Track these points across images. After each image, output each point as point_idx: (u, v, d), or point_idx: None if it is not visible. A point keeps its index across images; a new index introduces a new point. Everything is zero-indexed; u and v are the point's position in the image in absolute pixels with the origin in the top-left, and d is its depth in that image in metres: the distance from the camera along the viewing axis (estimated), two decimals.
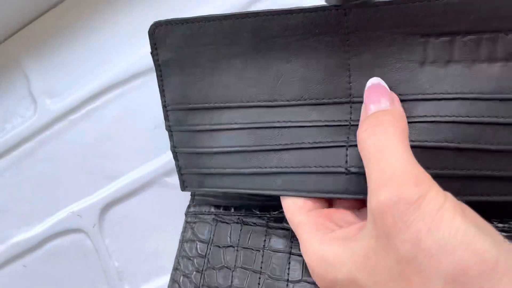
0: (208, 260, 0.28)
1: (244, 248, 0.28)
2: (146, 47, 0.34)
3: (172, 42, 0.26)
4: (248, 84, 0.25)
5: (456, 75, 0.21)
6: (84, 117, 0.35)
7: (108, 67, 0.35)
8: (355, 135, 0.22)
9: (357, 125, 0.22)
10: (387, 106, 0.21)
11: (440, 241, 0.16)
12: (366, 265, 0.19)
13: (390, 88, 0.22)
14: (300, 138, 0.24)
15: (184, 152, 0.28)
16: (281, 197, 0.25)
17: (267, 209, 0.29)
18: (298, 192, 0.24)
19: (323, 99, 0.24)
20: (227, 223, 0.29)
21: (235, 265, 0.28)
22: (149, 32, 0.26)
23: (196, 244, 0.29)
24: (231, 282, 0.27)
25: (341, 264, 0.20)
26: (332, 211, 0.24)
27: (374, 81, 0.22)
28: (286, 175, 0.25)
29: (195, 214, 0.30)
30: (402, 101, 0.22)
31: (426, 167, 0.19)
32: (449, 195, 0.18)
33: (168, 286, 0.29)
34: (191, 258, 0.29)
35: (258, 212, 0.29)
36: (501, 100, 0.21)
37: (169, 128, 0.28)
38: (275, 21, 0.23)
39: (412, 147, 0.20)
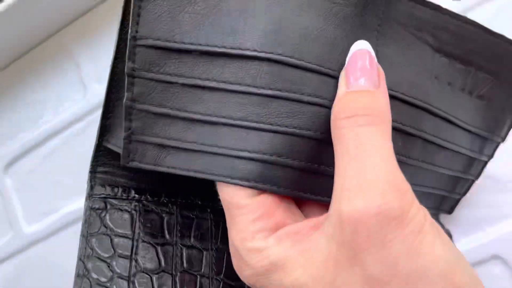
0: (136, 262, 0.21)
1: (188, 247, 0.22)
2: None
3: None
4: (269, 31, 0.18)
5: (452, 97, 0.21)
6: None
7: None
8: None
9: None
10: (373, 86, 0.17)
11: (420, 269, 0.15)
12: (324, 275, 0.16)
13: (398, 85, 0.20)
14: (314, 124, 0.19)
15: (145, 111, 0.20)
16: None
17: (209, 197, 0.23)
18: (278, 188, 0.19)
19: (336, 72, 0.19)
20: (157, 213, 0.22)
21: (178, 269, 0.21)
22: None
23: (112, 240, 0.21)
24: (176, 281, 0.21)
25: (291, 269, 0.17)
26: (277, 199, 0.19)
27: (362, 46, 0.18)
28: (284, 170, 0.19)
29: (104, 198, 0.22)
30: (402, 101, 0.20)
31: None
32: (426, 211, 0.16)
33: None
34: (107, 260, 0.21)
35: (199, 202, 0.23)
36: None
37: (131, 73, 0.19)
38: None
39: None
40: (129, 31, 0.19)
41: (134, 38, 0.19)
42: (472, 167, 0.26)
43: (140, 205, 0.22)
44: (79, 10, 0.40)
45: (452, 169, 0.25)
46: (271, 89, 0.18)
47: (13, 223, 0.42)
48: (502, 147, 0.31)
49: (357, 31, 0.19)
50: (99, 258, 0.21)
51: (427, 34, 0.21)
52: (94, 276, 0.20)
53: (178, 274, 0.21)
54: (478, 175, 0.27)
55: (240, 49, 0.18)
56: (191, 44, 0.19)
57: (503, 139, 0.27)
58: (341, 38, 0.19)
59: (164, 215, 0.22)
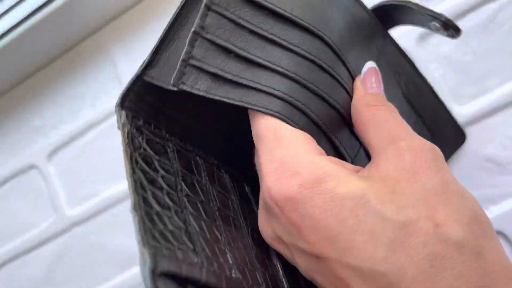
0: (181, 185, 0.21)
1: (217, 191, 0.23)
2: None
3: None
4: (319, 17, 0.23)
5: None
6: None
7: None
8: None
9: None
10: (381, 92, 0.24)
11: (460, 191, 0.19)
12: (383, 186, 0.18)
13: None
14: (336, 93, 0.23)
15: (211, 41, 0.21)
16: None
17: (224, 160, 0.26)
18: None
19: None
20: (185, 154, 0.23)
21: (214, 205, 0.22)
22: None
23: (153, 161, 0.21)
24: (217, 214, 0.22)
25: (346, 180, 0.18)
26: None
27: (373, 64, 0.25)
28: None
29: (139, 127, 0.22)
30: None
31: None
32: None
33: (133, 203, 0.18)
34: (153, 175, 0.20)
35: (215, 161, 0.25)
36: None
37: (209, 5, 0.21)
38: None
39: None
40: None
41: None
42: None
43: (171, 144, 0.23)
44: (114, 12, 0.44)
45: None
46: (315, 56, 0.22)
47: (56, 207, 0.46)
48: (502, 132, 0.34)
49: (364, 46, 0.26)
50: (145, 172, 0.20)
51: (401, 81, 0.28)
52: (149, 189, 0.19)
53: (216, 207, 0.22)
54: None
55: (299, 19, 0.22)
56: (266, 2, 0.21)
57: None
58: (353, 43, 0.25)
59: (191, 159, 0.23)
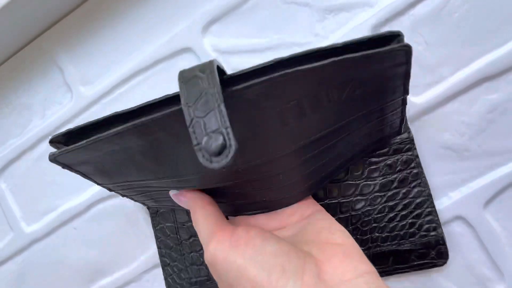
0: (180, 236, 0.37)
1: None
2: (164, 37, 0.40)
3: (77, 160, 0.27)
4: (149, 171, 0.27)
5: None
6: (115, 100, 0.41)
7: (133, 55, 0.40)
8: None
9: None
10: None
11: None
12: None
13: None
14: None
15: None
16: None
17: None
18: None
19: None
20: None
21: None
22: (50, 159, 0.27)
23: (165, 228, 0.37)
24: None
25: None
26: None
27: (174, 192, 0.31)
28: None
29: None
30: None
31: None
32: None
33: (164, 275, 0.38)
34: (167, 239, 0.37)
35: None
36: None
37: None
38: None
39: None
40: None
41: None
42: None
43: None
44: (57, 13, 0.42)
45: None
46: None
47: (12, 224, 0.44)
48: (457, 119, 0.34)
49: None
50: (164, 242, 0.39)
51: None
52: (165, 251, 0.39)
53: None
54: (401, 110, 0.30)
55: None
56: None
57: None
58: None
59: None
